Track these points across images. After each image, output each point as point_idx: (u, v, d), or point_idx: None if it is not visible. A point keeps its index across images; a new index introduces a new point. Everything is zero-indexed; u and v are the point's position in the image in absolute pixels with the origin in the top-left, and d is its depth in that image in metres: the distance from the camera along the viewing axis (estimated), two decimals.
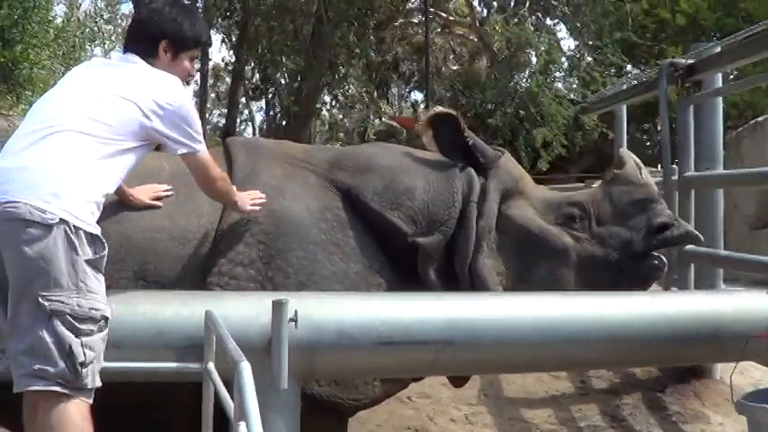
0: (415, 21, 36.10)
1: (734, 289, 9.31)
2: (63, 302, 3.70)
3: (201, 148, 4.42)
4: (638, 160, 5.67)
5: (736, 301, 5.00)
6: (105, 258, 3.94)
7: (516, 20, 30.82)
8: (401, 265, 5.08)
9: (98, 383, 3.79)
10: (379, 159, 5.37)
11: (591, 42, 29.82)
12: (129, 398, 4.32)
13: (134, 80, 4.27)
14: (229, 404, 3.24)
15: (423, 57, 32.33)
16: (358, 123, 46.03)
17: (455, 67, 39.64)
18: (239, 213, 4.80)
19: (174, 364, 3.94)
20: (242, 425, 2.77)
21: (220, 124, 51.46)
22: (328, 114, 45.40)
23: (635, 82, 12.86)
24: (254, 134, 49.74)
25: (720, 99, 8.88)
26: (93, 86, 4.23)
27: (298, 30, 27.60)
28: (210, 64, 35.98)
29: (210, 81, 42.93)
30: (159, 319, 4.03)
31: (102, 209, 4.04)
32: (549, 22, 32.03)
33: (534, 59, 31.62)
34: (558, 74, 33.09)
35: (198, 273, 4.70)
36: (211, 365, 3.75)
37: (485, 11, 34.46)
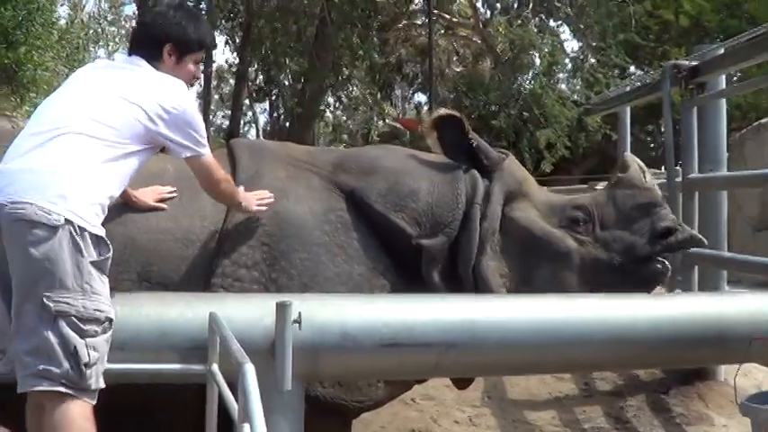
0: (419, 22, 36.08)
1: (737, 291, 9.29)
2: (68, 303, 3.72)
3: (206, 151, 4.45)
4: (642, 164, 5.67)
5: (739, 303, 4.99)
6: (110, 260, 3.95)
7: (519, 21, 30.79)
8: (405, 266, 5.08)
9: (102, 384, 3.80)
10: (382, 161, 5.37)
11: (594, 44, 29.77)
12: (133, 399, 4.33)
13: (139, 84, 4.29)
14: (233, 406, 3.24)
15: (426, 58, 32.27)
16: (362, 125, 45.99)
17: (458, 69, 39.62)
18: (244, 214, 4.81)
19: (177, 366, 3.94)
20: (246, 426, 2.78)
21: (224, 126, 51.37)
22: (332, 116, 45.38)
23: (638, 83, 12.86)
24: (257, 136, 49.65)
25: (724, 101, 8.89)
26: (99, 89, 4.24)
27: (301, 31, 27.58)
28: (214, 66, 35.93)
29: (214, 83, 42.85)
30: (163, 320, 4.03)
31: (106, 211, 4.05)
32: (552, 23, 31.97)
33: (538, 61, 31.59)
34: (561, 75, 33.12)
35: (202, 274, 4.71)
36: (215, 367, 3.76)
37: (488, 12, 34.41)
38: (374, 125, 44.02)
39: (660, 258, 5.46)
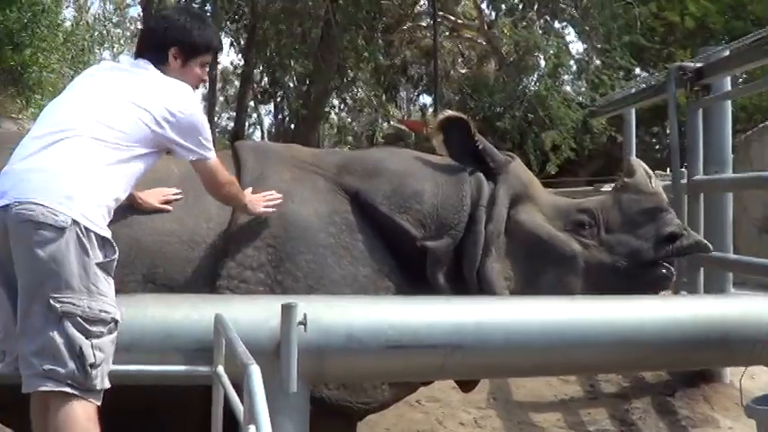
0: (424, 24, 36.15)
1: (743, 293, 9.28)
2: (74, 304, 3.72)
3: (211, 155, 4.48)
4: (648, 169, 5.67)
5: (745, 305, 4.98)
6: (115, 262, 3.96)
7: (525, 23, 30.79)
8: (410, 268, 5.08)
9: (107, 385, 3.81)
10: (387, 163, 5.37)
11: (599, 45, 29.79)
12: (138, 400, 4.34)
13: (146, 87, 4.31)
14: (239, 407, 3.24)
15: (431, 60, 32.37)
16: (366, 127, 46.03)
17: (464, 71, 39.67)
18: (250, 216, 4.82)
19: (183, 368, 3.94)
20: (251, 428, 2.77)
21: (229, 127, 51.44)
22: (337, 118, 45.43)
23: (644, 85, 12.88)
24: (262, 137, 49.76)
25: (729, 102, 8.89)
26: (106, 92, 4.26)
27: (306, 33, 27.63)
28: (219, 67, 36.01)
29: (219, 84, 42.95)
30: (169, 322, 4.03)
31: (112, 214, 4.06)
32: (557, 25, 32.01)
33: (543, 63, 31.64)
34: (566, 77, 33.11)
35: (207, 276, 4.71)
36: (221, 369, 3.76)
37: (493, 14, 34.41)
38: (379, 127, 44.10)
39: (665, 263, 5.45)
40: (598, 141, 32.52)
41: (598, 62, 30.28)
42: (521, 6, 31.90)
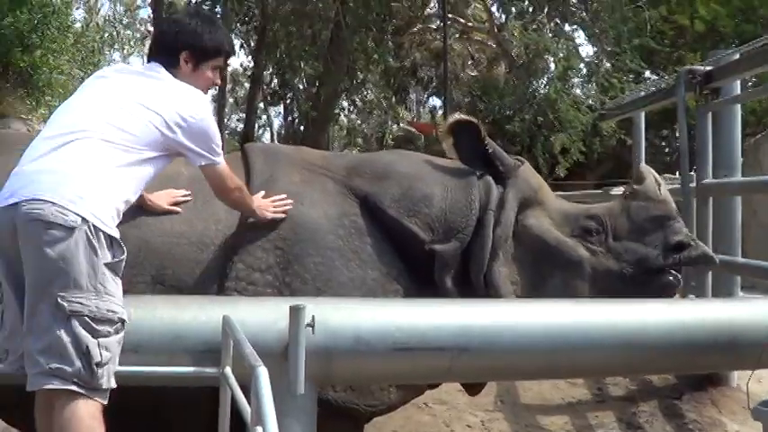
0: (434, 26, 36.15)
1: (751, 296, 9.29)
2: (82, 304, 3.73)
3: (220, 160, 4.52)
4: (657, 176, 5.67)
5: (752, 309, 4.97)
6: (123, 262, 3.97)
7: (535, 26, 30.78)
8: (418, 272, 5.09)
9: (113, 384, 3.81)
10: (397, 166, 5.38)
11: (609, 48, 29.75)
12: (146, 401, 4.35)
13: (158, 91, 4.34)
14: (246, 409, 3.24)
15: (441, 62, 32.34)
16: (376, 129, 46.02)
17: (473, 73, 39.66)
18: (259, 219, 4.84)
19: (191, 369, 3.95)
20: (258, 429, 2.79)
21: (239, 129, 51.50)
22: (346, 120, 45.42)
23: (653, 89, 12.85)
24: (272, 139, 49.75)
25: (739, 106, 8.89)
26: (117, 94, 4.28)
27: (316, 35, 27.63)
28: (229, 69, 36.00)
29: (229, 86, 43.00)
30: (177, 323, 4.03)
31: (121, 216, 4.07)
32: (567, 28, 31.99)
33: (552, 65, 31.61)
34: (576, 80, 33.06)
35: (215, 278, 4.72)
36: (228, 370, 3.76)
37: (503, 17, 34.40)
38: (388, 129, 44.10)
39: (672, 270, 5.45)
40: (607, 144, 32.53)
41: (608, 65, 30.25)
42: (531, 9, 31.89)
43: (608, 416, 8.22)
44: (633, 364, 4.91)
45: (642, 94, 13.20)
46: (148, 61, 4.63)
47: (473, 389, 5.70)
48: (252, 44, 32.79)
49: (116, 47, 47.85)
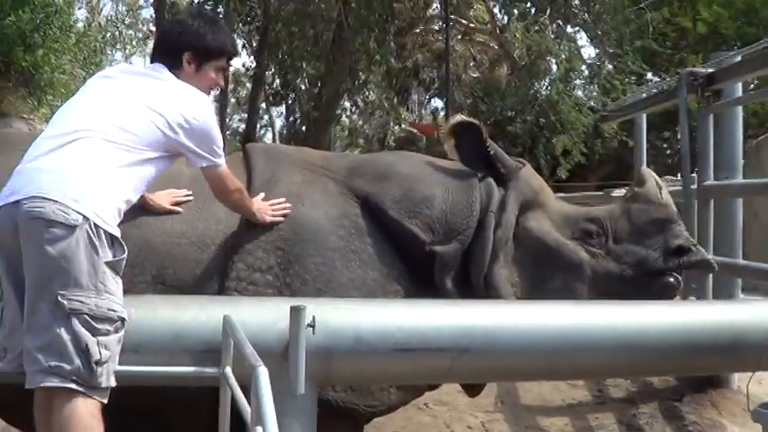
0: (436, 28, 36.14)
1: (752, 298, 9.29)
2: (82, 302, 3.75)
3: (221, 162, 4.55)
4: (658, 179, 5.67)
5: (753, 311, 4.98)
6: (124, 261, 3.98)
7: (537, 27, 30.75)
8: (418, 273, 5.09)
9: (112, 383, 3.82)
10: (397, 167, 5.38)
11: (611, 50, 29.73)
12: (146, 401, 4.36)
13: (162, 92, 4.37)
14: (246, 409, 3.25)
15: (443, 63, 32.32)
16: (378, 130, 45.98)
17: (475, 75, 39.65)
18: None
19: (191, 369, 3.95)
20: (259, 430, 2.79)
21: (240, 129, 51.53)
22: (348, 120, 45.48)
23: (655, 90, 12.85)
24: (273, 139, 49.69)
25: (740, 108, 8.88)
26: (120, 94, 4.31)
27: (318, 35, 27.59)
28: (231, 69, 35.99)
29: (231, 86, 42.95)
30: (177, 323, 4.04)
31: (122, 216, 4.08)
32: (569, 29, 31.92)
33: (554, 67, 31.56)
34: (578, 81, 33.00)
35: (216, 278, 4.73)
36: (228, 370, 3.77)
37: (505, 18, 34.37)
38: (390, 130, 44.08)
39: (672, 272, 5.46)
40: (609, 146, 32.50)
41: (610, 67, 30.21)
42: (533, 11, 31.87)
43: (608, 417, 8.22)
44: (633, 365, 4.92)
45: (644, 95, 13.21)
46: (151, 62, 4.66)
47: (472, 390, 5.71)
48: (254, 44, 32.76)
49: (118, 47, 47.79)
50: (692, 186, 8.84)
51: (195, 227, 4.82)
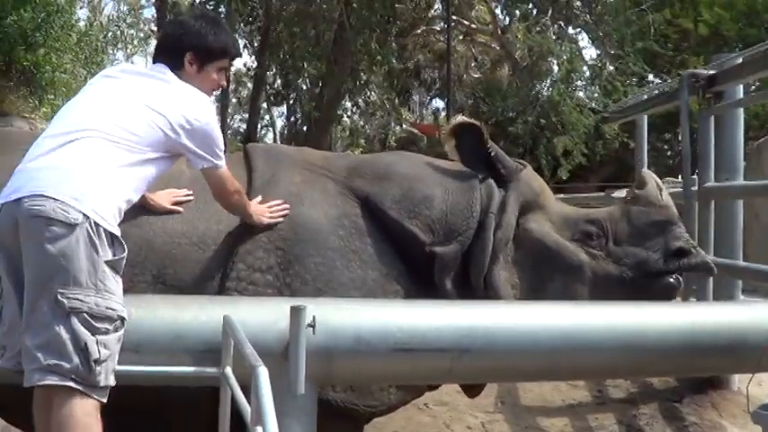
0: (437, 28, 36.17)
1: (752, 300, 9.28)
2: (81, 300, 3.74)
3: (222, 163, 4.55)
4: (659, 181, 5.67)
5: (753, 312, 4.98)
6: (124, 261, 3.98)
7: (538, 28, 30.82)
8: (418, 273, 5.09)
9: (111, 382, 3.81)
10: (397, 167, 5.38)
11: (613, 51, 29.79)
12: (147, 401, 4.36)
13: (164, 92, 4.37)
14: (246, 409, 3.25)
15: (444, 64, 32.37)
16: (379, 130, 46.03)
17: (477, 75, 39.70)
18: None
19: (191, 369, 3.95)
20: (259, 429, 2.79)
21: (241, 129, 51.56)
22: (349, 120, 45.42)
23: (656, 92, 12.86)
24: (274, 140, 49.74)
25: (741, 110, 8.87)
26: (122, 94, 4.32)
27: (320, 36, 27.64)
28: (232, 69, 36.02)
29: (232, 86, 42.98)
30: (177, 323, 4.04)
31: (123, 215, 4.08)
32: (571, 30, 32.00)
33: (556, 68, 31.62)
34: (579, 83, 33.08)
35: (216, 278, 4.73)
36: (229, 370, 3.77)
37: (507, 19, 34.46)
38: (391, 130, 44.12)
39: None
40: (610, 147, 32.54)
41: (611, 68, 30.26)
42: (535, 12, 31.92)
43: (608, 418, 8.22)
44: (633, 366, 4.91)
45: (645, 97, 13.21)
46: (154, 62, 4.66)
47: (472, 390, 5.70)
48: (255, 44, 32.78)
49: (119, 46, 47.91)
50: (693, 188, 8.83)
51: (196, 227, 4.82)
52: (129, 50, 48.76)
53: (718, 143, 8.67)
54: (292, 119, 44.54)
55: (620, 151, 32.32)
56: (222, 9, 25.96)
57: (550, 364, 4.59)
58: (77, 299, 3.74)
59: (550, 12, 30.61)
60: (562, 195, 13.88)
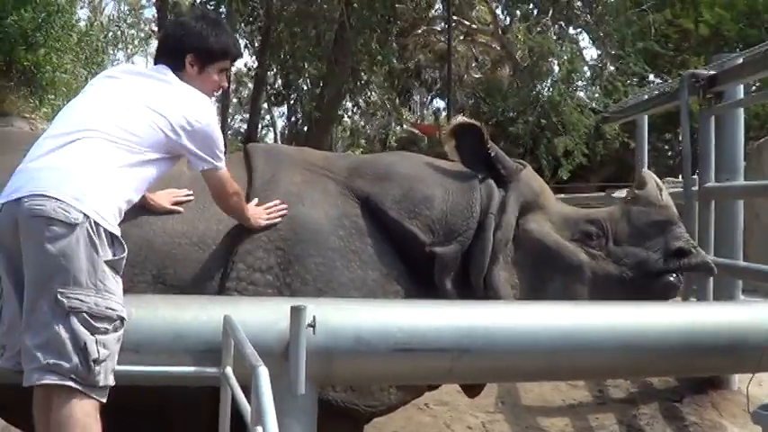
0: (438, 28, 36.13)
1: (752, 300, 9.28)
2: (81, 300, 3.75)
3: (222, 165, 4.56)
4: (659, 181, 5.67)
5: (753, 312, 4.98)
6: (124, 261, 3.98)
7: (539, 28, 30.82)
8: (418, 273, 5.09)
9: (111, 382, 3.81)
10: (398, 167, 5.38)
11: (613, 52, 29.77)
12: (147, 401, 4.36)
13: (165, 94, 4.38)
14: (246, 409, 3.25)
15: (445, 64, 32.37)
16: (379, 130, 45.98)
17: (477, 75, 39.67)
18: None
19: (191, 369, 3.95)
20: (259, 429, 2.79)
21: (242, 129, 51.50)
22: (350, 121, 45.38)
23: (657, 92, 12.85)
24: (275, 140, 49.72)
25: (742, 110, 8.87)
26: (123, 95, 4.32)
27: (320, 36, 27.61)
28: (233, 69, 36.00)
29: (233, 86, 42.96)
30: (178, 323, 4.04)
31: (123, 215, 4.09)
32: (571, 31, 31.97)
33: (556, 68, 31.61)
34: (580, 83, 33.08)
35: (216, 278, 4.73)
36: (229, 370, 3.77)
37: (508, 19, 34.43)
38: (392, 130, 44.08)
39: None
40: (610, 147, 32.56)
41: (612, 68, 30.26)
42: (535, 12, 31.91)
43: (608, 418, 8.22)
44: (633, 366, 4.91)
45: (646, 97, 13.21)
46: (155, 63, 4.66)
47: (472, 390, 5.70)
48: (256, 45, 32.75)
49: (120, 46, 47.93)
50: (693, 188, 8.83)
51: (196, 227, 4.82)
52: (129, 51, 48.80)
53: (719, 143, 8.67)
54: (293, 119, 44.50)
55: (620, 151, 32.33)
56: (223, 9, 25.94)
57: (550, 364, 4.59)
58: (77, 298, 3.74)
59: (551, 12, 30.59)
60: (563, 195, 13.89)
